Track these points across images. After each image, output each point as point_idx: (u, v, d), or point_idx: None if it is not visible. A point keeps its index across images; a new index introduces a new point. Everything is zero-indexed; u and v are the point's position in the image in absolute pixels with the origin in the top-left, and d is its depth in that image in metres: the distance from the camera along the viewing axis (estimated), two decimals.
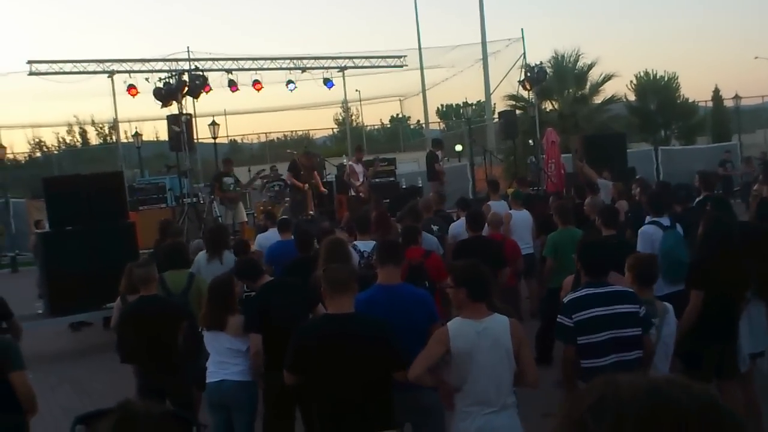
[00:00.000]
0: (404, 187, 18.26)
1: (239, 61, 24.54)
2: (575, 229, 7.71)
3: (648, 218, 7.45)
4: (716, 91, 37.71)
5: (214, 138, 18.48)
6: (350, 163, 15.74)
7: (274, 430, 5.49)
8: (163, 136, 22.50)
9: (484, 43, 28.72)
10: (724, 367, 5.26)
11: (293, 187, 15.34)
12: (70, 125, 41.33)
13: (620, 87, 35.71)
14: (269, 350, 5.12)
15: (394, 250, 4.91)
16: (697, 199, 8.99)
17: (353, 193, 15.18)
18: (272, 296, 5.46)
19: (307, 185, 15.11)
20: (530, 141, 21.28)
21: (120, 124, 29.31)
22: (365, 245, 7.13)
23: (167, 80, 17.00)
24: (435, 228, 8.96)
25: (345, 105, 34.51)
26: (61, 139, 42.51)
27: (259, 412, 5.59)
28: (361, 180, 15.06)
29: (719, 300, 5.32)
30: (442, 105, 57.16)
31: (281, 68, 24.79)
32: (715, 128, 35.94)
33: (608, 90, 27.98)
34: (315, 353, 4.11)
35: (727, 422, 1.02)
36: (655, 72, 36.27)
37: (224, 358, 5.33)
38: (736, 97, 30.03)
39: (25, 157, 41.56)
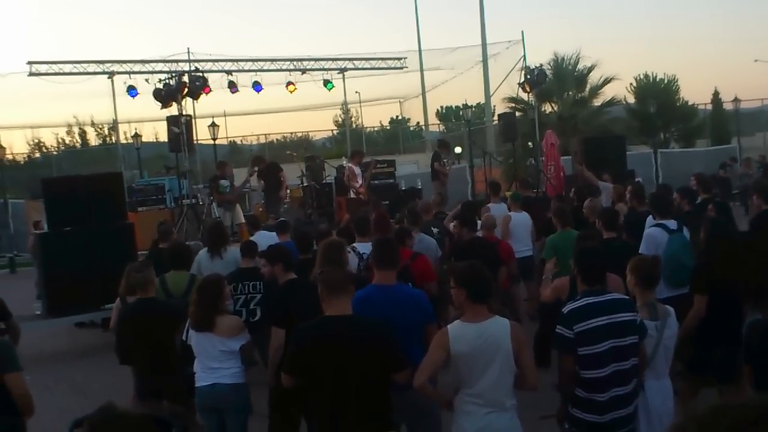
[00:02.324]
0: (403, 188, 18.23)
1: (239, 63, 24.53)
2: (574, 232, 7.70)
3: (649, 220, 7.43)
4: (716, 94, 37.80)
5: (214, 139, 18.47)
6: (350, 165, 15.73)
7: (281, 429, 5.50)
8: (163, 137, 22.53)
9: (484, 46, 28.77)
10: (726, 371, 5.24)
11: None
12: (69, 126, 41.39)
13: (620, 89, 35.82)
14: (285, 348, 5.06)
15: (391, 253, 4.93)
16: (697, 202, 8.97)
17: (353, 195, 15.17)
18: (297, 293, 5.45)
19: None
20: (530, 143, 21.30)
21: (119, 125, 29.29)
22: (364, 247, 7.12)
23: (167, 81, 17.01)
24: (435, 230, 8.95)
25: (345, 107, 34.50)
26: (60, 140, 42.58)
27: (258, 413, 5.59)
28: (360, 182, 15.06)
29: (723, 304, 5.31)
30: (441, 107, 57.33)
31: (281, 69, 24.78)
32: (715, 131, 35.99)
33: (608, 92, 28.06)
34: (313, 355, 4.10)
35: None
36: (654, 75, 36.37)
37: (215, 362, 5.27)
38: (736, 100, 30.05)
39: (24, 158, 41.57)
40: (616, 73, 32.57)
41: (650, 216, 7.60)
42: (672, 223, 6.94)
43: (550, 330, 4.67)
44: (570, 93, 27.40)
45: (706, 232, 5.81)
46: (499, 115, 23.69)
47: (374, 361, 4.08)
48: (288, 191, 16.32)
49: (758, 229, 7.82)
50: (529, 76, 19.48)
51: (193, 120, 17.94)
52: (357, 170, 15.23)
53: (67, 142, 42.44)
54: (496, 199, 11.14)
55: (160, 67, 23.22)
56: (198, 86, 17.48)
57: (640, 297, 4.71)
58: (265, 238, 9.23)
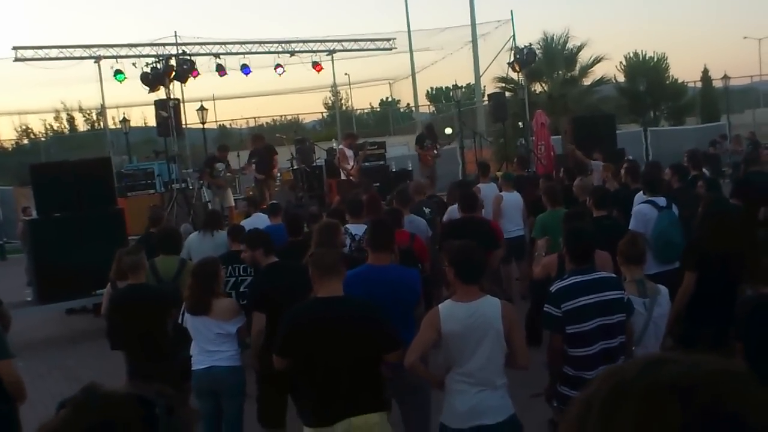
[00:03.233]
0: (394, 170, 18.20)
1: (227, 45, 24.33)
2: (564, 210, 7.71)
3: (638, 197, 7.46)
4: (705, 72, 37.80)
5: (203, 123, 18.36)
6: (341, 147, 15.69)
7: (268, 411, 5.52)
8: (151, 121, 22.34)
9: (473, 25, 28.61)
10: (718, 348, 5.27)
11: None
12: (57, 112, 40.99)
13: (609, 68, 35.80)
14: (270, 332, 5.09)
15: (387, 236, 4.95)
16: (688, 179, 9.01)
17: (343, 177, 15.14)
18: (276, 277, 5.45)
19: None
20: (520, 123, 21.26)
21: (107, 110, 29.04)
22: (357, 228, 7.11)
23: (154, 65, 16.86)
24: (427, 210, 8.95)
25: (334, 89, 34.39)
26: (48, 126, 42.18)
27: (250, 396, 5.60)
28: (351, 164, 15.03)
29: (714, 280, 5.33)
30: (431, 88, 57.16)
31: (269, 52, 24.61)
32: (704, 109, 36.03)
33: (597, 71, 27.99)
34: (306, 337, 4.11)
35: (737, 375, 0.97)
36: (644, 53, 36.36)
37: (212, 345, 5.27)
38: (725, 78, 30.03)
39: (12, 145, 41.22)
40: (606, 52, 32.53)
41: (639, 193, 7.64)
42: (661, 200, 6.98)
43: (541, 309, 4.69)
44: (560, 72, 27.33)
45: (703, 209, 5.82)
46: (489, 95, 23.63)
47: (366, 342, 4.09)
48: (278, 174, 16.30)
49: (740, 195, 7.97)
50: (518, 56, 19.42)
51: (181, 104, 17.82)
52: (349, 152, 15.19)
53: (55, 127, 42.09)
54: (485, 180, 11.14)
55: (147, 50, 22.98)
56: (186, 69, 17.35)
57: (629, 274, 4.74)
58: (262, 220, 9.23)
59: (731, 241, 5.37)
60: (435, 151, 16.22)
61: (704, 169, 10.13)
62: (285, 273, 5.47)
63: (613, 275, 4.64)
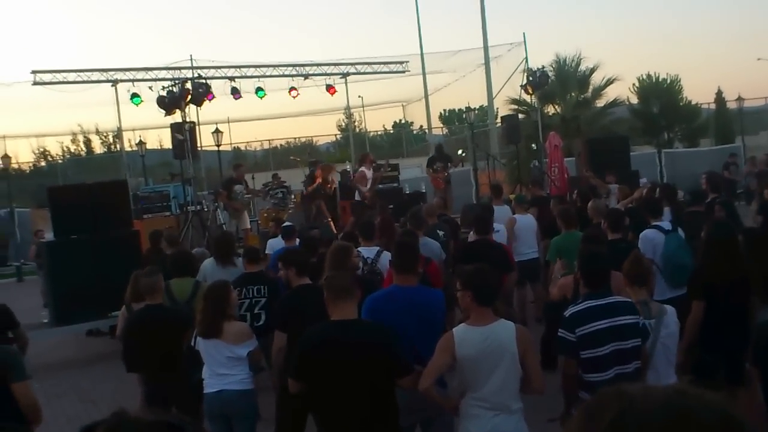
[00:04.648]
0: (408, 192, 18.25)
1: (242, 69, 24.58)
2: (578, 233, 7.69)
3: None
4: (719, 93, 37.63)
5: (218, 145, 18.52)
6: (362, 169, 15.81)
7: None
8: (167, 144, 22.58)
9: (486, 48, 28.72)
10: (734, 374, 5.22)
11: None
12: (74, 134, 41.51)
13: (623, 90, 35.75)
14: (289, 353, 5.07)
15: (413, 258, 4.96)
16: (706, 202, 8.98)
17: (358, 199, 15.20)
18: (303, 299, 5.44)
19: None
20: (533, 145, 21.27)
21: (124, 132, 29.35)
22: (369, 251, 7.14)
23: (170, 88, 17.04)
24: (441, 233, 8.96)
25: (348, 111, 34.51)
26: (65, 149, 42.70)
27: (265, 419, 5.60)
28: (368, 186, 15.12)
29: (723, 307, 5.28)
30: (444, 110, 57.17)
31: (284, 75, 24.82)
32: (719, 130, 35.85)
33: (610, 93, 27.94)
34: (319, 360, 4.12)
35: None
36: (657, 75, 36.34)
37: (223, 368, 5.28)
38: (739, 99, 29.92)
39: (29, 167, 41.68)
40: (619, 73, 32.38)
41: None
42: (666, 224, 7.00)
43: (555, 332, 4.67)
44: (572, 94, 27.35)
45: (706, 234, 5.79)
46: (501, 117, 23.66)
47: (376, 367, 4.09)
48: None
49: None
50: (531, 78, 19.47)
51: (196, 127, 17.99)
52: (369, 173, 15.29)
53: (72, 150, 42.59)
54: (498, 202, 11.14)
55: (163, 74, 23.26)
56: (201, 93, 17.51)
57: (633, 295, 4.71)
58: (278, 243, 9.29)
59: (735, 267, 5.32)
60: (446, 174, 16.28)
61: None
62: (313, 295, 5.47)
63: (629, 300, 4.61)
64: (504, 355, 3.95)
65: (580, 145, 17.19)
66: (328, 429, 4.18)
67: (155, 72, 23.74)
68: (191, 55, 24.69)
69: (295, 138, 46.50)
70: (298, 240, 8.98)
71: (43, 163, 42.53)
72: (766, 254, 5.49)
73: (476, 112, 31.40)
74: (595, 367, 4.25)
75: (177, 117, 16.59)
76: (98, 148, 42.55)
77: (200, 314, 5.39)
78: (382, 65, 27.56)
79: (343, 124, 45.45)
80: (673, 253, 6.56)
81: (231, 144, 39.16)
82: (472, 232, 8.71)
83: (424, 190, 18.59)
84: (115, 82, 23.86)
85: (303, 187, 17.03)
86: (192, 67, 23.89)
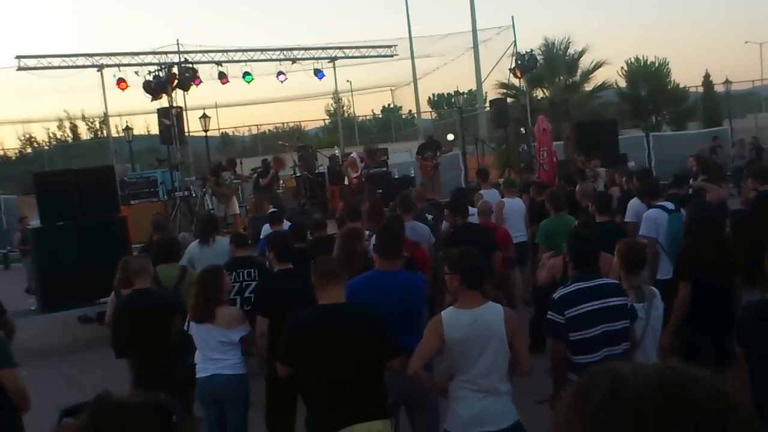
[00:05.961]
0: (396, 177, 18.23)
1: (229, 53, 24.42)
2: (567, 216, 7.72)
3: (632, 201, 7.50)
4: (707, 77, 37.76)
5: (206, 131, 18.38)
6: (354, 155, 15.84)
7: (276, 419, 5.54)
8: (154, 129, 22.43)
9: (474, 32, 28.64)
10: (721, 356, 5.26)
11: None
12: (60, 120, 41.10)
13: (611, 74, 35.63)
14: (275, 338, 5.08)
15: (397, 242, 4.97)
16: (694, 182, 9.02)
17: (346, 183, 15.22)
18: (283, 284, 5.47)
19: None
20: (522, 129, 21.28)
21: (110, 118, 29.15)
22: None
23: (157, 73, 16.91)
24: (429, 217, 8.96)
25: (336, 96, 34.42)
26: (51, 135, 42.27)
27: (255, 404, 5.59)
28: (357, 173, 15.16)
29: (709, 288, 5.32)
30: (433, 94, 57.11)
31: (271, 59, 24.68)
32: (706, 113, 35.99)
33: (599, 77, 28.02)
34: (308, 344, 4.11)
35: (739, 410, 1.01)
36: (645, 58, 36.35)
37: (215, 353, 5.28)
38: (727, 82, 30.06)
39: (15, 153, 41.33)
40: (607, 57, 32.61)
41: (634, 199, 7.70)
42: (669, 204, 7.02)
43: (544, 315, 4.69)
44: (561, 78, 27.35)
45: (688, 216, 5.80)
46: (490, 101, 23.65)
47: (367, 349, 4.09)
48: (282, 181, 16.41)
49: (757, 208, 7.88)
50: (519, 62, 19.44)
51: (184, 112, 17.87)
52: (360, 162, 15.36)
53: (58, 136, 42.21)
54: (486, 186, 11.15)
55: (149, 59, 23.07)
56: (188, 77, 17.39)
57: (626, 281, 4.72)
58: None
59: (718, 250, 5.36)
60: (435, 161, 16.42)
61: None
62: (292, 280, 5.47)
63: (616, 282, 4.63)
64: (492, 337, 3.96)
65: (568, 128, 17.23)
66: (317, 413, 4.18)
67: (141, 57, 23.57)
68: (178, 40, 24.43)
69: (283, 123, 46.31)
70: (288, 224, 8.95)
71: (29, 150, 42.14)
72: (750, 237, 5.53)
73: (465, 96, 31.38)
74: (585, 348, 4.26)
75: (164, 102, 16.48)
76: (85, 134, 42.20)
77: (193, 299, 5.38)
78: (370, 49, 27.46)
79: (332, 108, 45.36)
80: (677, 233, 6.57)
81: (219, 129, 39.01)
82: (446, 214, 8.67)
83: (413, 175, 18.58)
84: (101, 67, 23.67)
85: (293, 171, 16.99)
86: (179, 52, 23.67)
